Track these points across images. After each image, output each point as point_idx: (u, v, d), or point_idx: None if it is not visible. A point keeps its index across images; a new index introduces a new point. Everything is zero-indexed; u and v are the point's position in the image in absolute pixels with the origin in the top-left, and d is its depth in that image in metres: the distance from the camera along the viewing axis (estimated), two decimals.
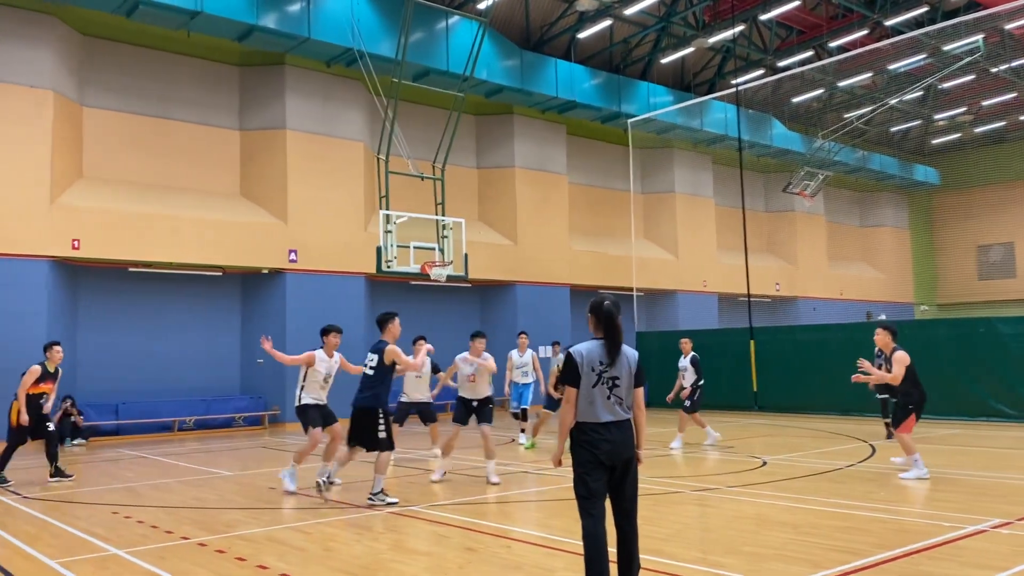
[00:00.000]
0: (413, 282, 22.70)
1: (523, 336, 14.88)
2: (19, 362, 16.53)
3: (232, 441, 17.22)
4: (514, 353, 14.20)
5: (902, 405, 10.15)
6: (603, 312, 5.01)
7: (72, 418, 16.95)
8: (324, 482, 9.35)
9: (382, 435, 8.79)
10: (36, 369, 11.58)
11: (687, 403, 13.78)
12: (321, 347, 9.95)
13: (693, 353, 14.07)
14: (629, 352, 5.06)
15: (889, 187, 40.02)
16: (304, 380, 9.85)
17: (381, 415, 8.83)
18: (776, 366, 20.67)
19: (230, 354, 20.80)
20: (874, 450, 12.71)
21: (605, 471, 4.92)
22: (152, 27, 18.86)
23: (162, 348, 19.60)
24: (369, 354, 9.13)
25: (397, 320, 9.23)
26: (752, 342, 21.27)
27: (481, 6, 22.09)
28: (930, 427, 16.04)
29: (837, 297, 35.92)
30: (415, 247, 16.89)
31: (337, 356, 10.04)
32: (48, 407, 11.67)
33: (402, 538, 7.38)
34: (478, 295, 25.48)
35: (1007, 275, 39.38)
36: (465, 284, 23.86)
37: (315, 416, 9.82)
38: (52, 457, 11.51)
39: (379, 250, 16.44)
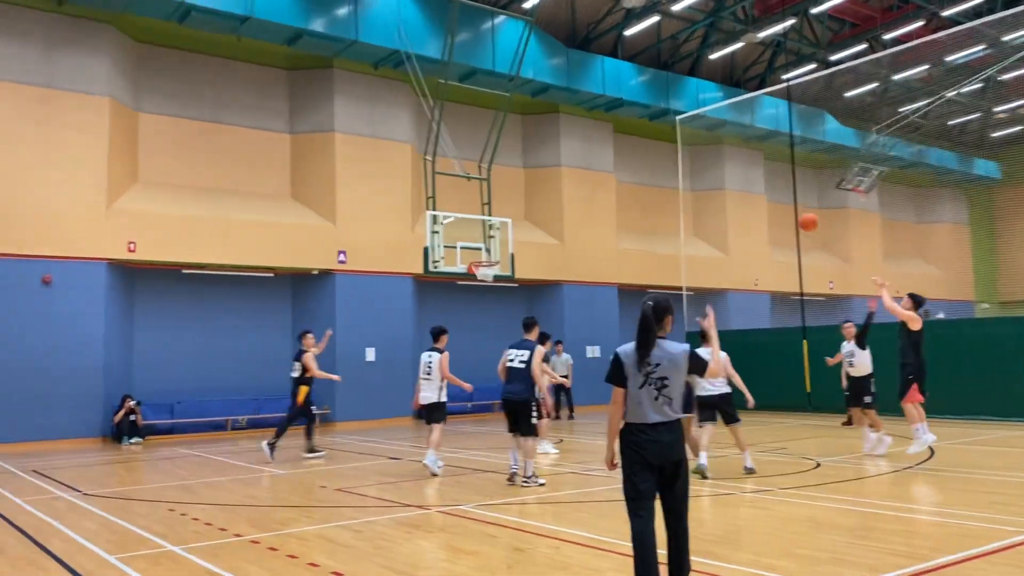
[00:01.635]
0: (460, 282, 22.77)
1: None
2: (79, 361, 17.09)
3: (283, 440, 17.41)
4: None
5: (903, 376, 10.72)
6: (641, 312, 4.97)
7: (132, 417, 17.37)
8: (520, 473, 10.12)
9: (534, 422, 10.00)
10: (312, 355, 13.52)
11: (867, 398, 12.31)
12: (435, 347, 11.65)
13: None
14: (676, 348, 4.98)
15: (947, 182, 38.96)
16: (442, 380, 11.49)
17: (535, 404, 10.04)
18: (830, 366, 20.25)
19: (281, 354, 21.04)
20: (932, 452, 12.37)
21: (653, 472, 4.86)
22: (204, 33, 19.22)
23: (215, 348, 19.97)
24: (516, 351, 10.41)
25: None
26: (805, 342, 20.88)
27: (527, 5, 22.07)
28: (990, 429, 15.60)
29: (893, 295, 35.02)
30: (462, 247, 16.93)
31: None
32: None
33: (451, 537, 7.39)
34: (525, 295, 25.46)
35: None
36: (512, 284, 23.86)
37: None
38: (310, 434, 13.73)
39: (426, 250, 16.53)
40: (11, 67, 16.89)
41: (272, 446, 13.44)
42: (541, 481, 10.01)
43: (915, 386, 10.63)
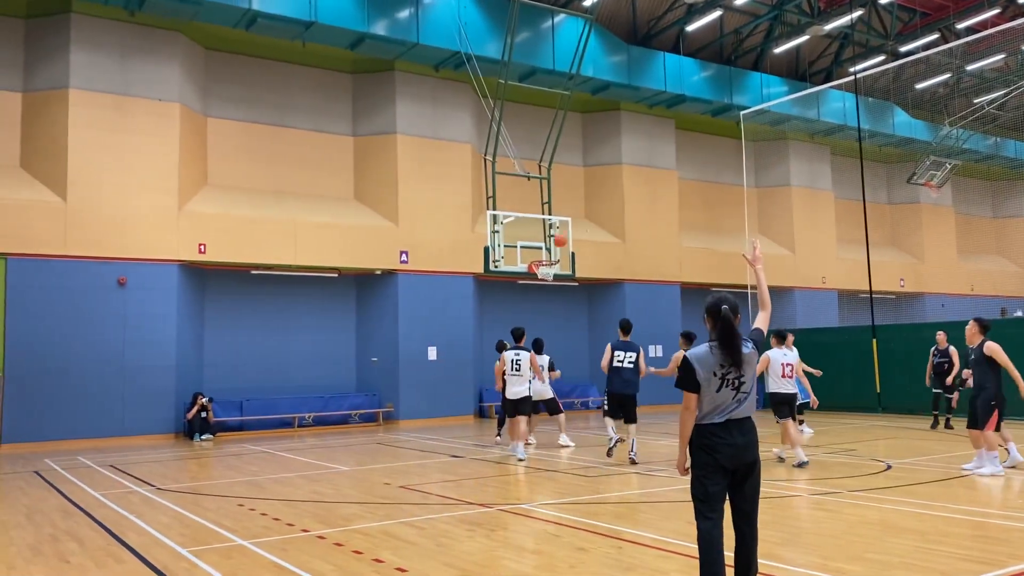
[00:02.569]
0: (520, 281, 22.81)
1: (789, 335, 15.41)
2: (152, 360, 17.65)
3: (348, 437, 17.74)
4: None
5: (985, 403, 10.03)
6: (721, 316, 4.80)
7: (204, 414, 17.85)
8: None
9: (635, 412, 12.12)
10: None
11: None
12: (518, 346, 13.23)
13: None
14: (745, 346, 4.86)
15: None
16: (532, 375, 13.21)
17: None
18: (901, 366, 19.72)
19: (346, 352, 21.45)
20: (1009, 454, 11.93)
21: (726, 475, 4.75)
22: (269, 39, 19.64)
23: (283, 347, 20.40)
24: (624, 352, 12.17)
25: None
26: (875, 341, 20.37)
27: (587, 3, 21.99)
28: None
29: (968, 293, 33.93)
30: (522, 246, 16.96)
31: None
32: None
33: (513, 536, 7.41)
34: (585, 294, 25.37)
35: None
36: (572, 283, 23.79)
37: None
38: (501, 423, 15.01)
39: (487, 250, 16.60)
40: (87, 76, 17.51)
41: (527, 444, 14.31)
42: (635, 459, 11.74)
43: (996, 413, 10.02)
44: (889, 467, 11.08)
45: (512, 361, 13.04)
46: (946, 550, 6.38)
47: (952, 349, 15.89)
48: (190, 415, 17.81)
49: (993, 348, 10.05)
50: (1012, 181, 37.68)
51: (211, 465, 13.68)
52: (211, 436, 17.86)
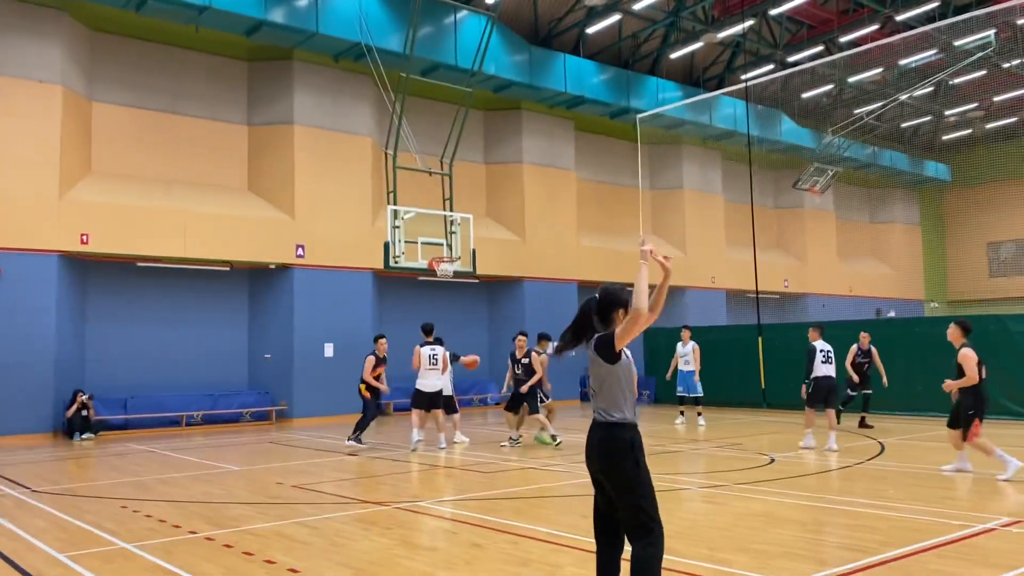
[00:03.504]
0: (421, 278, 22.68)
1: (687, 330, 17.74)
2: (29, 356, 16.71)
3: (239, 436, 17.26)
4: (679, 345, 17.25)
5: (964, 412, 9.77)
6: (581, 306, 4.63)
7: (84, 412, 17.03)
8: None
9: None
10: (372, 359, 14.11)
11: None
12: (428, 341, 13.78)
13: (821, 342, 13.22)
14: (591, 345, 4.54)
15: (899, 183, 39.81)
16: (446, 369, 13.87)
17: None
18: (784, 363, 20.57)
19: (238, 349, 20.84)
20: (883, 448, 12.66)
21: (596, 482, 4.52)
22: (161, 22, 18.86)
23: (170, 343, 19.64)
24: (522, 362, 13.96)
25: None
26: (760, 339, 21.20)
27: (489, 0, 22.04)
28: (939, 425, 15.96)
29: (846, 294, 35.77)
30: (423, 243, 16.88)
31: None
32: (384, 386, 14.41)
33: (409, 533, 7.38)
34: (486, 291, 25.46)
35: (1018, 272, 39.12)
36: (473, 280, 23.84)
37: None
38: (361, 427, 14.09)
39: (387, 246, 16.44)
40: None
41: (358, 439, 14.17)
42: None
43: (977, 421, 9.70)
44: (773, 460, 11.57)
45: (428, 356, 13.52)
46: (824, 539, 6.72)
47: (874, 349, 16.14)
48: (69, 413, 16.95)
49: (963, 356, 9.76)
50: (887, 188, 39.93)
51: (92, 466, 13.07)
52: (92, 435, 17.05)
